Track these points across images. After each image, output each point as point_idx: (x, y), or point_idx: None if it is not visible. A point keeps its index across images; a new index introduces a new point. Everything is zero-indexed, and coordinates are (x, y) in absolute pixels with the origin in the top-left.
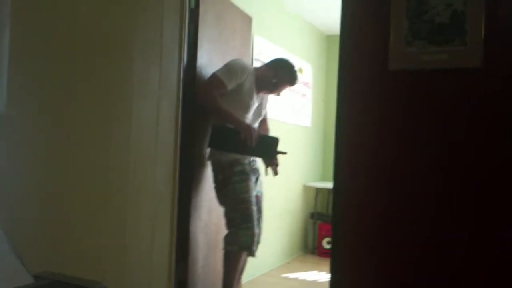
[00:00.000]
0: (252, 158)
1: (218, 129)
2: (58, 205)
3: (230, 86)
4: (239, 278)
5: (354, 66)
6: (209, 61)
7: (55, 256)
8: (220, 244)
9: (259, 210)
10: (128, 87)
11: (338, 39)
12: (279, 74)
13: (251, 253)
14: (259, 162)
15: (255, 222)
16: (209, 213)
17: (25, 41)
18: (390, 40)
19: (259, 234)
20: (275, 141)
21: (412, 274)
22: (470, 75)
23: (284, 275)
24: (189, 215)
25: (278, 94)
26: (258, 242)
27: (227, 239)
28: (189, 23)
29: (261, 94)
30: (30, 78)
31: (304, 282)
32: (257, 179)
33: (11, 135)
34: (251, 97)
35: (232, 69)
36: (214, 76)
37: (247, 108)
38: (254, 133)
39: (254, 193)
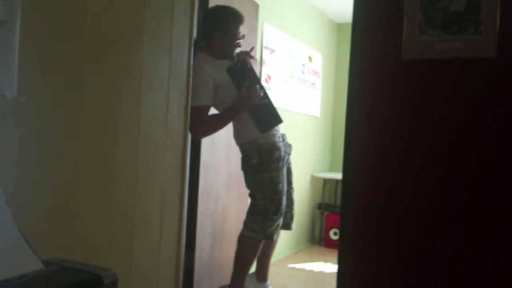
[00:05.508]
0: (283, 133)
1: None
2: (68, 192)
3: (208, 99)
4: (270, 260)
5: (366, 55)
6: None
7: (63, 244)
8: (226, 233)
9: (290, 182)
10: (138, 75)
11: (349, 27)
12: (219, 23)
13: (271, 239)
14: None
15: (283, 214)
16: (216, 202)
17: (36, 27)
18: (403, 29)
19: (291, 205)
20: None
21: (419, 268)
22: (484, 64)
23: (291, 265)
24: (197, 204)
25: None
26: (293, 216)
27: (254, 227)
28: (199, 10)
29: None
30: (40, 64)
31: (311, 272)
32: (289, 155)
33: (21, 121)
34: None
35: (195, 87)
36: (191, 110)
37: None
38: (255, 91)
39: (285, 180)
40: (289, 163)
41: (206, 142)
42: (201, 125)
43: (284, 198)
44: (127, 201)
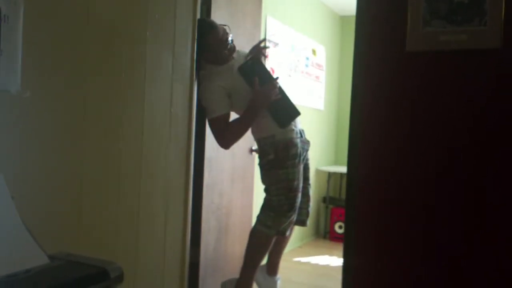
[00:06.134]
0: (302, 128)
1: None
2: (73, 187)
3: (224, 108)
4: (281, 254)
5: (370, 47)
6: None
7: (68, 239)
8: (231, 227)
9: (307, 178)
10: (141, 71)
11: (352, 19)
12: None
13: (284, 235)
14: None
15: (297, 211)
16: (221, 196)
17: (39, 23)
18: (407, 20)
19: (308, 202)
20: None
21: (425, 261)
22: (489, 56)
23: (296, 259)
24: (201, 199)
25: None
26: (308, 213)
27: (267, 222)
28: (202, 5)
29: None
30: (44, 59)
31: (316, 266)
32: (307, 152)
33: (26, 116)
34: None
35: (208, 101)
36: (210, 122)
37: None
38: (270, 87)
39: (301, 177)
40: (307, 159)
41: (210, 136)
42: (224, 134)
43: (299, 195)
44: (132, 196)
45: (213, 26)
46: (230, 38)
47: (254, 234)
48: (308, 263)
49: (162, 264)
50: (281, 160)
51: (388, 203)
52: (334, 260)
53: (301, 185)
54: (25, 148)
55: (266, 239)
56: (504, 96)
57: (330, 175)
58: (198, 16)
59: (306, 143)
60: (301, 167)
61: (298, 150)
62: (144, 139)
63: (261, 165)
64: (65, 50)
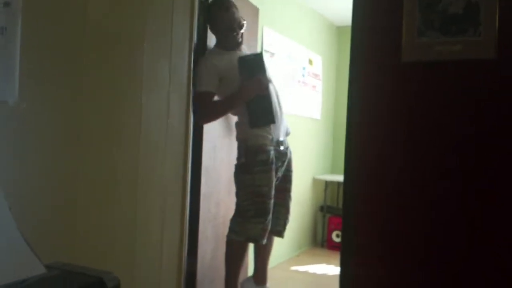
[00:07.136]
0: (282, 139)
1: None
2: (69, 197)
3: (212, 86)
4: (267, 263)
5: (366, 58)
6: None
7: (64, 248)
8: None
9: (287, 190)
10: (138, 80)
11: (349, 30)
12: (208, 17)
13: (257, 243)
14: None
15: (269, 217)
16: (217, 206)
17: (37, 33)
18: (403, 31)
19: (286, 213)
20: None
21: (422, 269)
22: (483, 66)
23: (294, 268)
24: (199, 208)
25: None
26: (285, 224)
27: (235, 228)
28: (199, 15)
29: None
30: (41, 70)
31: (313, 275)
32: (283, 162)
33: (23, 126)
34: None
35: (200, 75)
36: (195, 94)
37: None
38: (259, 80)
39: (274, 184)
40: (289, 171)
41: (207, 146)
42: (205, 110)
43: (270, 202)
44: (128, 206)
45: (223, 4)
46: (237, 30)
47: (228, 242)
48: (305, 272)
49: (159, 273)
50: (249, 165)
51: (384, 211)
52: (332, 269)
53: (272, 192)
54: (21, 159)
55: (238, 245)
56: (498, 106)
57: (327, 184)
58: (195, 28)
59: (283, 154)
60: (273, 174)
61: (270, 157)
62: (141, 149)
63: (235, 166)
64: (62, 60)
